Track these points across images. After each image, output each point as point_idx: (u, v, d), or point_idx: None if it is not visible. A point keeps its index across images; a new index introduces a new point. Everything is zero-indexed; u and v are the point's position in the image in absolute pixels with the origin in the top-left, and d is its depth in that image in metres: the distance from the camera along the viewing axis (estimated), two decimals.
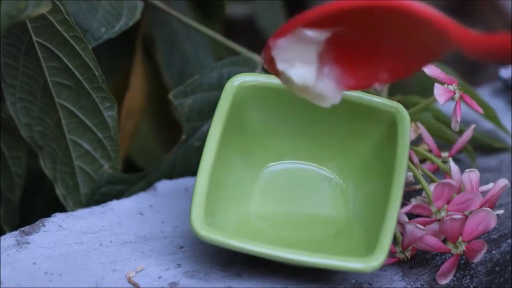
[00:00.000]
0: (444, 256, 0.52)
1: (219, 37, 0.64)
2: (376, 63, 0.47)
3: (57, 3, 0.52)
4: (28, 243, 0.50)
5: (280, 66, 0.46)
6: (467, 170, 0.51)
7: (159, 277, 0.49)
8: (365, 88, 0.48)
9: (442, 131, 0.58)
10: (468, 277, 0.52)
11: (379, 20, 0.45)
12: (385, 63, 0.47)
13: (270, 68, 0.47)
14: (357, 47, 0.47)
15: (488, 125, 0.64)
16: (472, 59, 0.45)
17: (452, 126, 0.52)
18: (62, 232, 0.51)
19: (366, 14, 0.45)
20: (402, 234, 0.50)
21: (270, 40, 0.47)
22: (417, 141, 0.58)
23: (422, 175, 0.52)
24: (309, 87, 0.46)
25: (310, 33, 0.46)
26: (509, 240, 0.55)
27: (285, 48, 0.46)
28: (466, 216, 0.49)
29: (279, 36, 0.46)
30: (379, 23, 0.45)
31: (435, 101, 0.51)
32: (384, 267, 0.51)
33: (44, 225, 0.51)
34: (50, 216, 0.52)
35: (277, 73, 0.47)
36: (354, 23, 0.46)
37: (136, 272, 0.49)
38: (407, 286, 0.50)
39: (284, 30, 0.46)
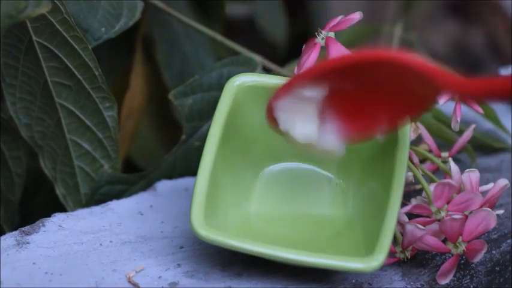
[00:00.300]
0: (444, 256, 0.52)
1: (219, 37, 0.64)
2: (374, 113, 0.48)
3: (57, 3, 0.52)
4: (28, 243, 0.50)
5: (283, 127, 0.48)
6: (467, 170, 0.51)
7: (159, 277, 0.49)
8: (367, 138, 0.49)
9: (442, 131, 0.58)
10: (468, 277, 0.52)
11: (370, 73, 0.46)
12: (383, 112, 0.47)
13: (275, 128, 0.49)
14: (354, 100, 0.48)
15: (488, 125, 0.64)
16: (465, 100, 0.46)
17: (452, 126, 0.52)
18: (62, 232, 0.51)
19: (357, 69, 0.46)
20: (402, 234, 0.50)
21: (270, 102, 0.47)
22: (417, 141, 0.58)
23: (422, 175, 0.52)
24: (313, 145, 0.47)
25: (307, 92, 0.47)
26: (509, 240, 0.55)
27: (285, 109, 0.47)
28: (466, 216, 0.49)
29: (279, 97, 0.47)
30: (371, 75, 0.46)
31: None
32: (384, 267, 0.50)
33: (44, 225, 0.51)
34: (50, 216, 0.52)
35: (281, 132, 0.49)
36: (347, 78, 0.47)
37: (136, 272, 0.49)
38: (407, 286, 0.50)
39: (283, 91, 0.47)
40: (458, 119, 0.51)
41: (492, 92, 0.42)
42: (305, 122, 0.48)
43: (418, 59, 0.44)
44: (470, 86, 0.43)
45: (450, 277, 0.50)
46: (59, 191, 0.57)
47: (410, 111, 0.47)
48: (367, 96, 0.47)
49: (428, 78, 0.44)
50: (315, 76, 0.47)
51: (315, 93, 0.47)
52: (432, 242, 0.49)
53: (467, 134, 0.54)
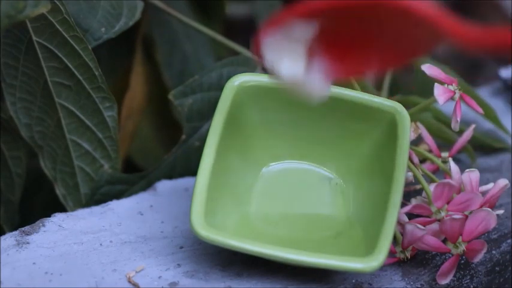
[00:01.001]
0: (444, 256, 0.52)
1: (219, 37, 0.64)
2: (366, 54, 0.47)
3: (57, 3, 0.52)
4: (28, 243, 0.50)
5: (269, 62, 0.46)
6: (467, 170, 0.51)
7: (159, 277, 0.49)
8: (354, 76, 0.48)
9: (442, 131, 0.58)
10: (468, 277, 0.52)
11: (369, 16, 0.45)
12: (375, 54, 0.47)
13: (261, 64, 0.47)
14: (345, 40, 0.47)
15: (488, 125, 0.64)
16: (468, 54, 0.45)
17: (452, 126, 0.52)
18: (62, 232, 0.51)
19: (355, 11, 0.45)
20: (402, 234, 0.50)
21: (259, 36, 0.46)
22: (417, 141, 0.58)
23: (422, 175, 0.52)
24: (298, 84, 0.46)
25: (297, 30, 0.46)
26: (509, 240, 0.55)
27: (272, 45, 0.46)
28: (466, 216, 0.49)
29: (268, 32, 0.46)
30: (370, 19, 0.45)
31: (435, 101, 0.51)
32: (384, 267, 0.51)
33: (44, 225, 0.51)
34: (50, 216, 0.52)
35: (266, 69, 0.47)
36: (344, 20, 0.46)
37: (136, 272, 0.49)
38: (407, 286, 0.50)
39: (273, 25, 0.46)
40: (458, 119, 0.51)
41: (494, 42, 0.42)
42: (292, 59, 0.46)
43: (425, 5, 0.44)
44: (473, 35, 0.42)
45: (450, 277, 0.50)
46: (59, 191, 0.57)
47: (405, 56, 0.46)
48: (360, 37, 0.46)
49: (430, 23, 0.43)
50: (307, 13, 0.46)
51: (305, 31, 0.46)
52: (432, 242, 0.49)
53: (467, 134, 0.54)
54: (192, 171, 0.57)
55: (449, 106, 0.53)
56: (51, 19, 0.53)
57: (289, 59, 0.46)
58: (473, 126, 0.55)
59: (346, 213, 0.53)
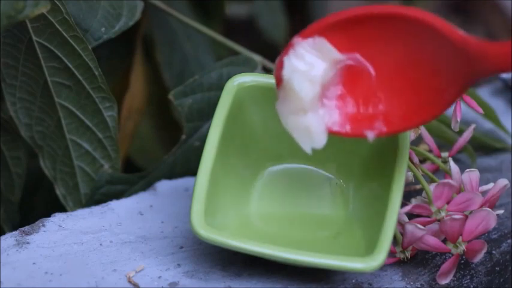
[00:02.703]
0: (444, 256, 0.52)
1: (219, 37, 0.64)
2: (376, 109, 0.46)
3: (57, 3, 0.52)
4: (28, 243, 0.50)
5: (287, 71, 0.46)
6: (467, 170, 0.51)
7: (159, 277, 0.49)
8: (355, 136, 0.47)
9: (442, 131, 0.58)
10: (468, 277, 0.52)
11: (397, 33, 0.45)
12: (386, 107, 0.46)
13: (277, 72, 0.46)
14: (363, 85, 0.46)
15: (488, 125, 0.64)
16: (492, 76, 0.44)
17: (452, 126, 0.52)
18: (62, 232, 0.51)
19: (384, 24, 0.44)
20: (402, 234, 0.50)
21: (295, 38, 0.46)
22: (417, 141, 0.58)
23: (422, 175, 0.52)
24: (303, 109, 0.46)
25: (330, 47, 0.45)
26: (509, 240, 0.55)
27: (300, 55, 0.46)
28: (466, 216, 0.49)
29: (304, 36, 0.46)
30: (397, 36, 0.45)
31: None
32: (384, 267, 0.51)
33: (44, 225, 0.51)
34: (50, 216, 0.52)
35: (280, 78, 0.46)
36: (372, 36, 0.45)
37: (136, 272, 0.49)
38: (407, 286, 0.50)
39: (308, 31, 0.46)
40: (458, 119, 0.51)
41: None
42: (310, 79, 0.45)
43: (445, 22, 0.43)
44: (503, 50, 0.41)
45: (450, 277, 0.50)
46: (59, 191, 0.57)
47: (419, 113, 0.46)
48: (379, 82, 0.46)
49: (461, 45, 0.42)
50: (342, 20, 0.45)
51: (334, 52, 0.45)
52: (432, 242, 0.49)
53: (467, 134, 0.54)
54: (192, 171, 0.57)
55: None
56: (51, 19, 0.53)
57: (306, 79, 0.45)
58: (473, 126, 0.55)
59: (346, 214, 0.53)
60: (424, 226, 0.49)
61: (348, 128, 0.47)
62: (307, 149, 0.46)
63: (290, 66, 0.46)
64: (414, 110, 0.46)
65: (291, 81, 0.45)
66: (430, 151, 0.55)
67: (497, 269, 0.53)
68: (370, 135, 0.46)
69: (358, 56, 0.46)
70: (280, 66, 0.46)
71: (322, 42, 0.46)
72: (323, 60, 0.46)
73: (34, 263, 0.48)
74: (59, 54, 0.54)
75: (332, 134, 0.47)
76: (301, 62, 0.46)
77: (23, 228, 0.51)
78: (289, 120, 0.46)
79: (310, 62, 0.46)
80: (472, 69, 0.43)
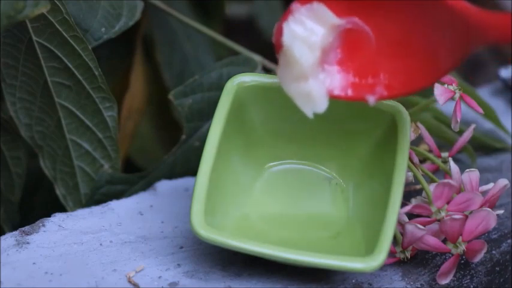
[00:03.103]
0: (444, 256, 0.52)
1: (219, 37, 0.64)
2: (376, 74, 0.46)
3: (57, 3, 0.52)
4: (28, 243, 0.50)
5: (287, 38, 0.45)
6: (467, 170, 0.51)
7: (159, 277, 0.49)
8: (356, 99, 0.47)
9: (442, 131, 0.58)
10: (468, 277, 0.52)
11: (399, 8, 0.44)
12: (386, 71, 0.46)
13: (277, 38, 0.46)
14: (364, 50, 0.46)
15: (488, 125, 0.64)
16: (492, 47, 0.44)
17: (452, 126, 0.52)
18: (62, 232, 0.51)
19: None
20: (402, 234, 0.50)
21: (293, 4, 0.46)
22: (417, 141, 0.58)
23: (422, 175, 0.52)
24: (303, 75, 0.46)
25: (329, 13, 0.45)
26: (509, 240, 0.55)
27: (299, 20, 0.46)
28: (466, 216, 0.49)
29: (303, 2, 0.46)
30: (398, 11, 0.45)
31: (435, 101, 0.51)
32: (383, 267, 0.51)
33: (44, 225, 0.51)
34: (50, 216, 0.52)
35: (280, 44, 0.46)
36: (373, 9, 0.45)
37: (136, 272, 0.49)
38: (407, 286, 0.50)
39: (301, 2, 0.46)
40: (458, 119, 0.51)
41: None
42: (309, 44, 0.45)
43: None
44: (502, 20, 0.41)
45: (450, 277, 0.50)
46: (59, 191, 0.57)
47: (419, 79, 0.46)
48: (379, 48, 0.46)
49: (460, 12, 0.42)
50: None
51: (334, 18, 0.45)
52: (432, 242, 0.49)
53: (467, 134, 0.54)
54: (192, 171, 0.57)
55: (449, 106, 0.53)
56: (51, 19, 0.53)
57: (305, 45, 0.45)
58: (473, 126, 0.55)
59: (346, 213, 0.53)
60: (424, 226, 0.49)
61: (349, 92, 0.47)
62: (309, 113, 0.46)
63: (289, 32, 0.46)
64: (414, 75, 0.46)
65: (292, 48, 0.45)
66: (430, 151, 0.55)
67: (497, 269, 0.53)
68: (371, 99, 0.47)
69: (357, 20, 0.46)
70: (280, 32, 0.46)
71: (320, 8, 0.46)
72: (322, 25, 0.46)
73: (34, 263, 0.48)
74: (59, 54, 0.54)
75: (333, 98, 0.47)
76: (301, 28, 0.46)
77: (23, 228, 0.51)
78: (290, 86, 0.46)
79: (309, 27, 0.46)
80: (471, 37, 0.43)
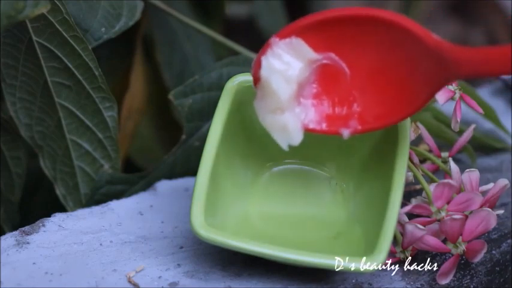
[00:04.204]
0: (444, 256, 0.52)
1: (219, 37, 0.64)
2: (351, 108, 0.47)
3: (57, 3, 0.52)
4: (28, 243, 0.50)
5: (265, 71, 0.47)
6: (467, 170, 0.51)
7: (159, 277, 0.49)
8: (330, 133, 0.48)
9: (442, 131, 0.58)
10: (468, 277, 0.52)
11: (371, 34, 0.46)
12: (361, 106, 0.47)
13: (255, 71, 0.47)
14: (339, 85, 0.47)
15: (488, 125, 0.64)
16: (466, 78, 0.45)
17: (452, 126, 0.52)
18: (62, 232, 0.51)
19: (358, 26, 0.45)
20: (402, 234, 0.50)
21: (272, 38, 0.47)
22: (417, 141, 0.58)
23: (422, 175, 0.52)
24: (280, 108, 0.46)
25: (306, 47, 0.46)
26: (509, 240, 0.55)
27: (277, 54, 0.47)
28: (466, 216, 0.49)
29: (281, 36, 0.47)
30: (371, 39, 0.46)
31: (435, 101, 0.51)
32: (384, 267, 0.50)
33: (44, 225, 0.51)
34: (50, 216, 0.52)
35: (257, 77, 0.47)
36: (347, 37, 0.46)
37: (136, 272, 0.49)
38: (407, 286, 0.50)
39: (285, 32, 0.47)
40: (458, 119, 0.51)
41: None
42: (287, 78, 0.46)
43: (421, 28, 0.44)
44: (478, 56, 0.42)
45: (450, 277, 0.50)
46: (59, 191, 0.57)
47: (395, 111, 0.47)
48: (354, 80, 0.47)
49: (435, 48, 0.43)
50: (315, 24, 0.46)
51: (310, 52, 0.46)
52: (432, 242, 0.49)
53: (467, 134, 0.54)
54: (192, 171, 0.57)
55: (449, 106, 0.53)
56: (51, 19, 0.53)
57: (282, 78, 0.46)
58: (473, 126, 0.55)
59: (346, 213, 0.53)
60: (424, 226, 0.49)
61: (323, 126, 0.48)
62: (284, 146, 0.48)
63: (268, 65, 0.47)
64: (388, 110, 0.47)
65: (269, 81, 0.47)
66: (430, 151, 0.55)
67: (497, 269, 0.53)
68: (345, 133, 0.48)
69: (333, 55, 0.47)
70: (258, 65, 0.47)
71: (298, 43, 0.47)
72: (299, 59, 0.47)
73: (34, 263, 0.48)
74: (59, 54, 0.54)
75: (308, 132, 0.48)
76: (279, 62, 0.47)
77: (23, 228, 0.51)
78: (267, 118, 0.47)
79: (287, 61, 0.47)
80: (445, 72, 0.44)
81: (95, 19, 0.55)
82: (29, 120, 0.56)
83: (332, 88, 0.48)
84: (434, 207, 0.49)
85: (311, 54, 0.47)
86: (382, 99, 0.47)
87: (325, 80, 0.48)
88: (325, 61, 0.47)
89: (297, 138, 0.47)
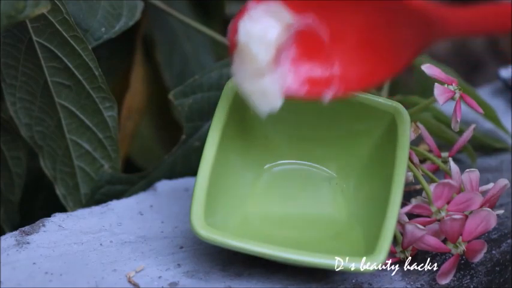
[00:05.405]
0: (444, 256, 0.52)
1: (219, 37, 0.64)
2: (332, 69, 0.47)
3: (57, 3, 0.52)
4: (28, 243, 0.50)
5: (243, 36, 0.46)
6: (467, 170, 0.51)
7: (159, 277, 0.49)
8: (312, 95, 0.47)
9: (442, 131, 0.58)
10: (468, 277, 0.52)
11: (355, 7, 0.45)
12: (342, 67, 0.46)
13: (231, 36, 0.46)
14: (319, 47, 0.46)
15: (488, 125, 0.64)
16: (457, 39, 0.45)
17: (452, 126, 0.52)
18: (62, 232, 0.51)
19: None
20: (402, 234, 0.50)
21: (250, 3, 0.46)
22: (417, 141, 0.58)
23: (422, 175, 0.52)
24: (259, 72, 0.46)
25: (284, 11, 0.45)
26: (509, 240, 0.55)
27: (255, 19, 0.46)
28: (466, 216, 0.49)
29: (259, 0, 0.46)
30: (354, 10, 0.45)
31: (435, 101, 0.51)
32: (384, 267, 0.51)
33: (44, 225, 0.51)
34: (50, 216, 0.52)
35: (234, 42, 0.46)
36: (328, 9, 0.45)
37: (136, 272, 0.49)
38: (407, 286, 0.50)
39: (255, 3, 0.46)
40: (458, 119, 0.51)
41: (492, 21, 0.41)
42: (265, 42, 0.46)
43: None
44: (465, 16, 0.42)
45: (450, 277, 0.50)
46: (59, 191, 0.57)
47: (378, 71, 0.46)
48: (333, 42, 0.46)
49: (421, 12, 0.43)
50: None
51: (289, 16, 0.46)
52: (432, 242, 0.49)
53: (467, 134, 0.54)
54: (192, 171, 0.57)
55: (449, 106, 0.53)
56: (51, 19, 0.53)
57: (261, 42, 0.46)
58: (473, 126, 0.55)
59: (346, 213, 0.53)
60: (424, 226, 0.49)
61: (304, 89, 0.47)
62: (264, 111, 0.46)
63: (245, 30, 0.46)
64: (370, 70, 0.46)
65: (248, 46, 0.45)
66: (430, 151, 0.55)
67: (497, 269, 0.53)
68: (327, 95, 0.46)
69: (312, 19, 0.46)
70: (235, 30, 0.46)
71: (276, 6, 0.46)
72: (278, 24, 0.46)
73: (34, 263, 0.48)
74: (59, 54, 0.54)
75: (289, 96, 0.47)
76: (257, 26, 0.46)
77: (23, 228, 0.51)
78: (245, 84, 0.46)
79: (265, 26, 0.46)
80: (429, 32, 0.44)
81: (95, 19, 0.55)
82: (29, 120, 0.56)
83: (312, 52, 0.47)
84: (434, 207, 0.49)
85: (289, 18, 0.46)
86: (364, 61, 0.46)
87: (304, 43, 0.47)
88: (304, 23, 0.47)
89: (276, 103, 0.46)
